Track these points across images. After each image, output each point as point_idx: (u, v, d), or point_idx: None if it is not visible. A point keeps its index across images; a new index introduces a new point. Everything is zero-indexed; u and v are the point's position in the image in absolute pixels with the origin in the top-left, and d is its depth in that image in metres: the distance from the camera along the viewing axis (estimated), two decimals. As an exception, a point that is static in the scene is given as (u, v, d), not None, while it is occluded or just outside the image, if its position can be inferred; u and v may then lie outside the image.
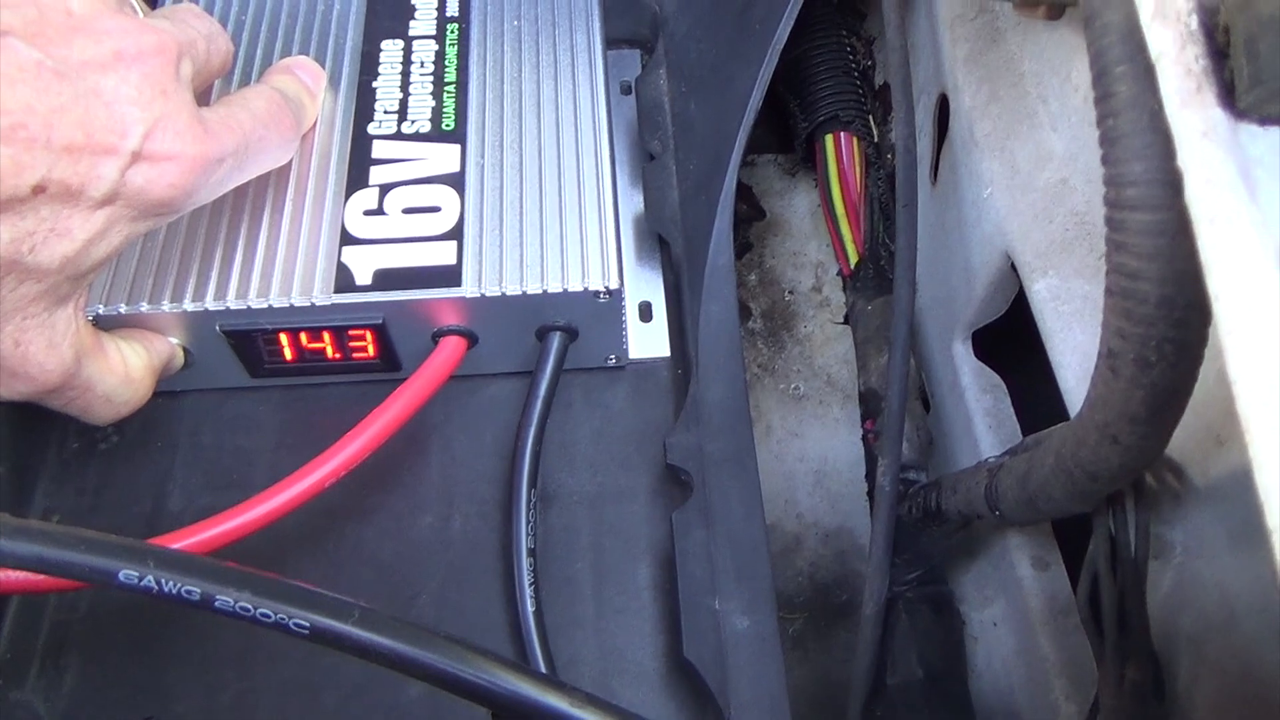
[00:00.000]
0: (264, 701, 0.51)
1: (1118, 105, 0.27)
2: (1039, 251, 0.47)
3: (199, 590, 0.30)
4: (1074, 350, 0.44)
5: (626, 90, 0.75)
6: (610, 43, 0.75)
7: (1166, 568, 0.38)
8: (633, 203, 0.69)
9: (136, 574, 0.29)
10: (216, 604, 0.30)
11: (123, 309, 0.54)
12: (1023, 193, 0.49)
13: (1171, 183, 0.26)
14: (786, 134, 0.74)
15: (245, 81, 0.63)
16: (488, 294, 0.55)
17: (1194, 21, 0.25)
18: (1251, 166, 0.24)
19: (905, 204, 0.52)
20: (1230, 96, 0.25)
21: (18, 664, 0.52)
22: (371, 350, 0.58)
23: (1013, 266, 0.50)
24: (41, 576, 0.34)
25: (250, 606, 0.29)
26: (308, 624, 0.29)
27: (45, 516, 0.57)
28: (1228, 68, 0.25)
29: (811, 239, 0.72)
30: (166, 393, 0.61)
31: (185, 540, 0.48)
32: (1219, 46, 0.25)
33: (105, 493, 0.58)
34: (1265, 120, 0.25)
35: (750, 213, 0.74)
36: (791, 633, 0.64)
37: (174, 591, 0.30)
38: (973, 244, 0.53)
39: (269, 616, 0.30)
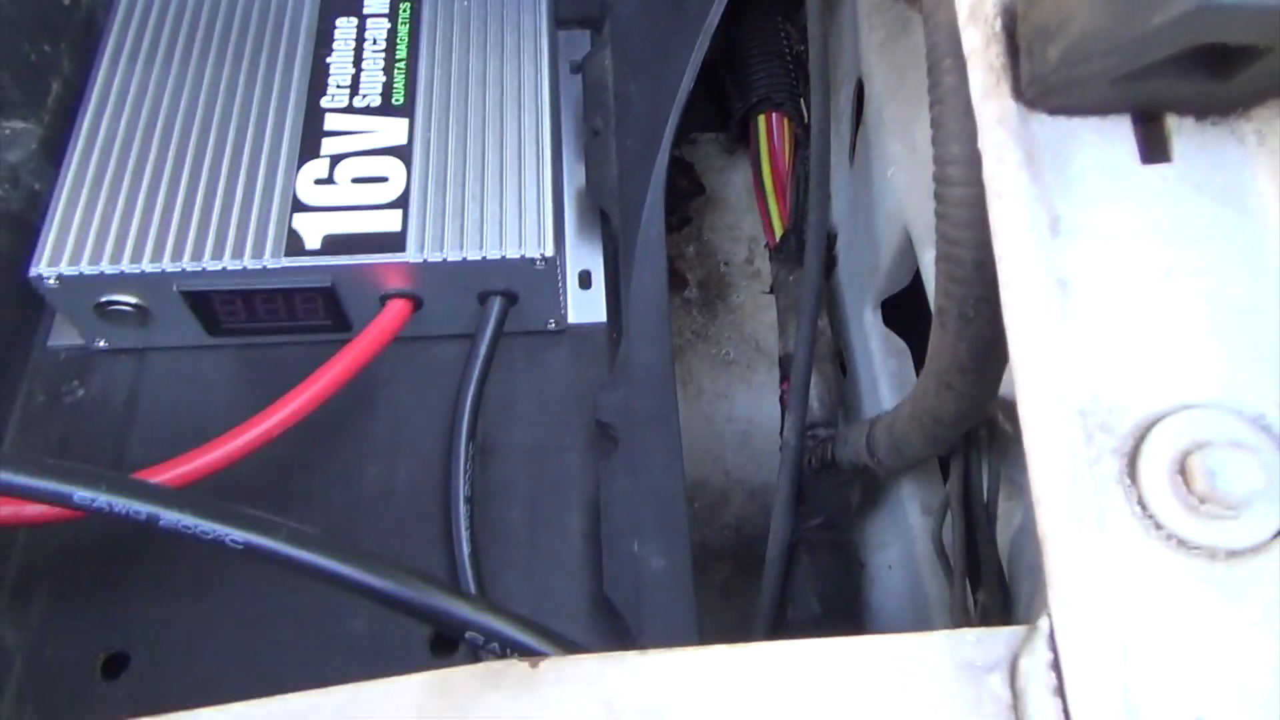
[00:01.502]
0: (220, 631, 0.55)
1: (942, 94, 0.32)
2: (929, 225, 0.51)
3: (145, 510, 0.34)
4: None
5: (576, 69, 0.78)
6: (562, 23, 0.78)
7: (1018, 506, 0.42)
8: (577, 177, 0.73)
9: (90, 495, 0.33)
10: (161, 522, 0.34)
11: (85, 270, 0.58)
12: (921, 171, 0.53)
13: (978, 162, 0.30)
14: (727, 113, 0.78)
15: (185, 59, 0.66)
16: (430, 259, 0.59)
17: (998, 24, 0.30)
18: (1037, 150, 0.29)
19: (817, 182, 0.56)
20: (1021, 87, 0.29)
21: (-14, 599, 0.56)
22: (322, 312, 0.62)
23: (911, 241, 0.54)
24: (7, 507, 0.38)
25: (191, 525, 0.34)
26: (241, 541, 0.33)
27: (13, 463, 0.61)
28: (1020, 51, 0.29)
29: (747, 214, 0.76)
30: (129, 350, 0.64)
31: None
32: (1016, 46, 0.29)
33: (70, 443, 0.62)
34: (1053, 110, 0.29)
35: (690, 188, 0.78)
36: (719, 580, 0.68)
37: (124, 511, 0.34)
38: (879, 220, 0.58)
39: (207, 534, 0.34)
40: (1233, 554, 0.25)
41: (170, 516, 0.33)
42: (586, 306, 0.68)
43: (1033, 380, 0.27)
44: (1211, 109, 0.29)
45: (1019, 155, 0.28)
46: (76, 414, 0.63)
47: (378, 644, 0.56)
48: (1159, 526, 0.25)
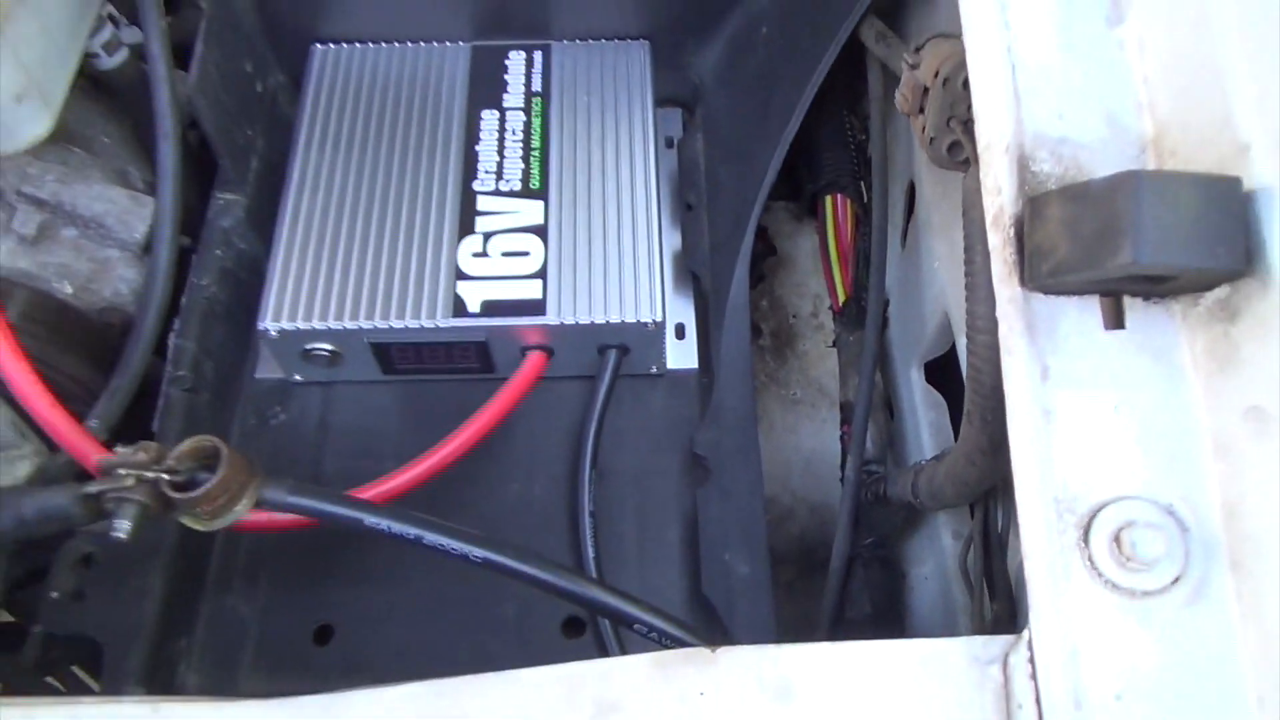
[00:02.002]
0: (404, 609, 0.71)
1: (974, 269, 0.46)
2: (964, 315, 0.66)
3: (414, 532, 0.49)
4: (982, 390, 0.63)
5: (670, 144, 0.93)
6: (658, 102, 0.93)
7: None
8: (672, 240, 0.87)
9: (377, 520, 0.49)
10: (425, 541, 0.49)
11: (299, 325, 0.74)
12: (959, 268, 0.67)
13: (995, 321, 0.45)
14: (797, 186, 0.92)
15: (364, 145, 0.82)
16: (565, 322, 0.75)
17: (1011, 231, 0.44)
18: (1034, 320, 0.43)
19: (875, 269, 0.70)
20: (1025, 277, 0.43)
21: (225, 577, 0.73)
22: (475, 359, 0.78)
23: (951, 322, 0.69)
24: (300, 518, 0.54)
25: (445, 543, 0.49)
26: (481, 557, 0.49)
27: (235, 473, 0.77)
28: (1025, 256, 0.44)
29: (812, 274, 0.91)
30: (320, 383, 0.81)
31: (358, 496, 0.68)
32: (1024, 248, 0.44)
33: (277, 458, 0.78)
34: (1047, 292, 0.44)
35: (765, 249, 0.93)
36: (784, 581, 0.83)
37: (400, 532, 0.49)
38: (925, 301, 0.72)
39: (455, 550, 0.49)
40: (1146, 594, 0.39)
41: (432, 537, 0.49)
42: (681, 354, 0.83)
43: (1025, 475, 0.41)
44: (1153, 294, 0.43)
45: (1022, 325, 0.43)
46: (280, 434, 0.79)
47: (522, 625, 0.72)
48: (1100, 575, 0.40)
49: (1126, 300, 0.43)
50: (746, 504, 0.72)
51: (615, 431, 0.79)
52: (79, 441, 0.57)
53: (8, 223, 0.82)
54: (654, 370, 0.81)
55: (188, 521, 0.50)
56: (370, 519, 0.50)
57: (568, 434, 0.79)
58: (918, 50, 0.60)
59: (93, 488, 0.48)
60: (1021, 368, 0.42)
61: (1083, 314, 0.43)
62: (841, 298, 0.82)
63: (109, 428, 0.67)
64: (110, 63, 0.82)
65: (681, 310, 0.85)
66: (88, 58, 0.80)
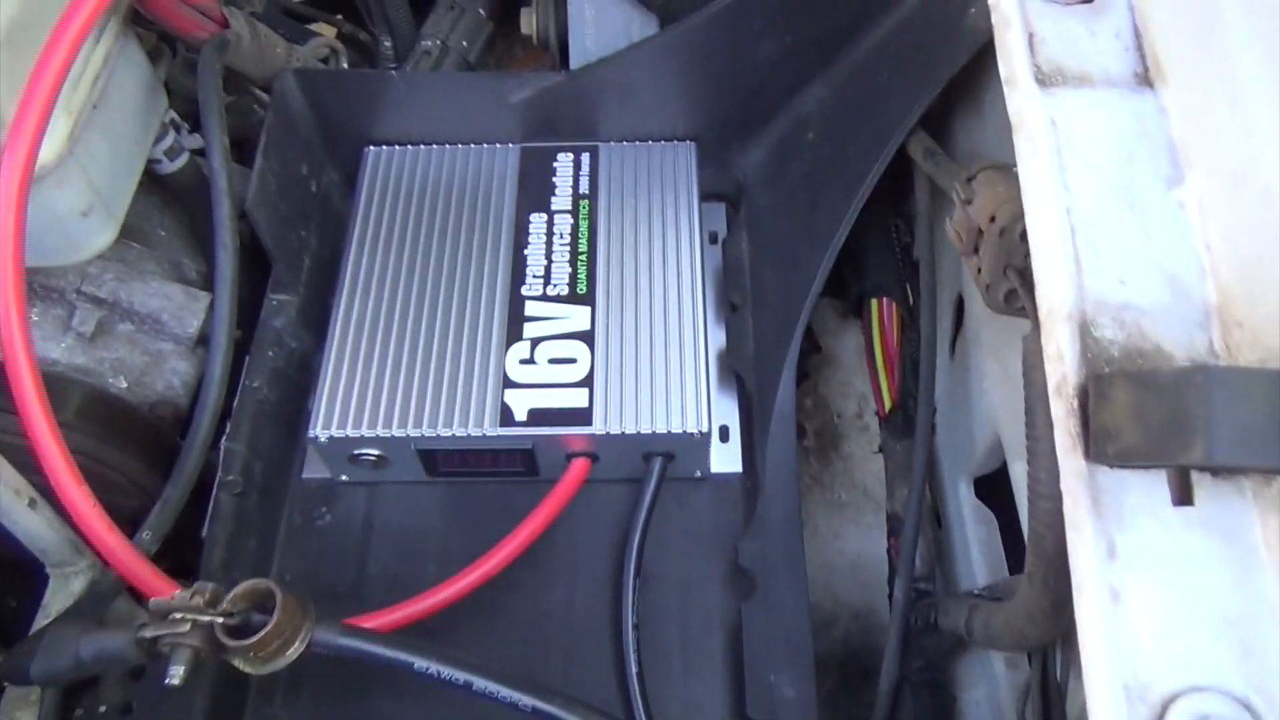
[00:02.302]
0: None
1: (1035, 434, 0.46)
2: (1018, 440, 0.65)
3: (463, 677, 0.49)
4: (1036, 521, 0.62)
5: (713, 240, 0.93)
6: (702, 197, 0.93)
7: (1081, 688, 0.56)
8: (716, 338, 0.87)
9: (426, 665, 0.49)
10: (475, 688, 0.49)
11: (349, 432, 0.74)
12: (1011, 392, 0.67)
13: (1058, 490, 0.44)
14: (842, 283, 0.92)
15: (415, 248, 0.83)
16: (611, 432, 0.75)
17: (1075, 402, 0.44)
18: (1100, 494, 0.43)
19: (924, 394, 0.70)
20: (1090, 451, 0.43)
21: (268, 689, 0.73)
22: (520, 464, 0.78)
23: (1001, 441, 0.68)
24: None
25: (495, 690, 0.49)
26: (530, 705, 0.49)
27: (280, 576, 0.78)
28: (1090, 433, 0.43)
29: (857, 373, 0.90)
30: (366, 484, 0.81)
31: (398, 614, 0.68)
32: (1088, 419, 0.43)
33: (323, 557, 0.79)
34: (1113, 465, 0.43)
35: (809, 347, 0.92)
36: (825, 690, 0.82)
37: (449, 678, 0.49)
38: (975, 419, 0.71)
39: (505, 699, 0.49)
40: (1219, 792, 0.38)
41: (481, 683, 0.49)
42: (725, 457, 0.83)
43: (1094, 659, 0.41)
44: (1221, 471, 0.42)
45: (1088, 501, 0.42)
46: (326, 535, 0.80)
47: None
48: (1171, 770, 0.39)
49: (1195, 476, 0.43)
50: (792, 620, 0.72)
51: (657, 536, 0.79)
52: (137, 569, 0.58)
53: (67, 320, 0.84)
54: (698, 474, 0.81)
55: (240, 664, 0.50)
56: (420, 662, 0.50)
57: (610, 538, 0.79)
58: (969, 180, 0.60)
59: (148, 632, 0.49)
60: (1088, 545, 0.42)
61: (1149, 488, 0.43)
62: (888, 404, 0.82)
63: (160, 538, 0.68)
64: (171, 167, 0.84)
65: (725, 412, 0.85)
66: (149, 163, 0.82)
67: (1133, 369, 0.43)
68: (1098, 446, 0.42)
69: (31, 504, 0.60)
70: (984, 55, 0.71)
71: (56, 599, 0.65)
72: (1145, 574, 0.42)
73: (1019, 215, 0.52)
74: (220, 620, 0.49)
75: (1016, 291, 0.52)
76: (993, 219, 0.54)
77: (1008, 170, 0.59)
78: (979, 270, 0.56)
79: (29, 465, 0.64)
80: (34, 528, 0.61)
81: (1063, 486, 0.43)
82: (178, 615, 0.49)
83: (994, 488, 0.75)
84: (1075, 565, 0.42)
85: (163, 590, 0.60)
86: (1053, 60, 0.50)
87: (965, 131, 0.79)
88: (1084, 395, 0.43)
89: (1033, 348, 0.46)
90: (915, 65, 0.75)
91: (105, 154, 0.73)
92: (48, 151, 0.63)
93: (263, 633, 0.48)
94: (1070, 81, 0.50)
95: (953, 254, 0.80)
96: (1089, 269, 0.45)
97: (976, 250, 0.56)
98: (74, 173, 0.69)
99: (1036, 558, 0.46)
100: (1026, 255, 0.51)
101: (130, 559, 0.59)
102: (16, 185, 0.56)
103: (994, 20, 0.52)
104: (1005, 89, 0.50)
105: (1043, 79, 0.50)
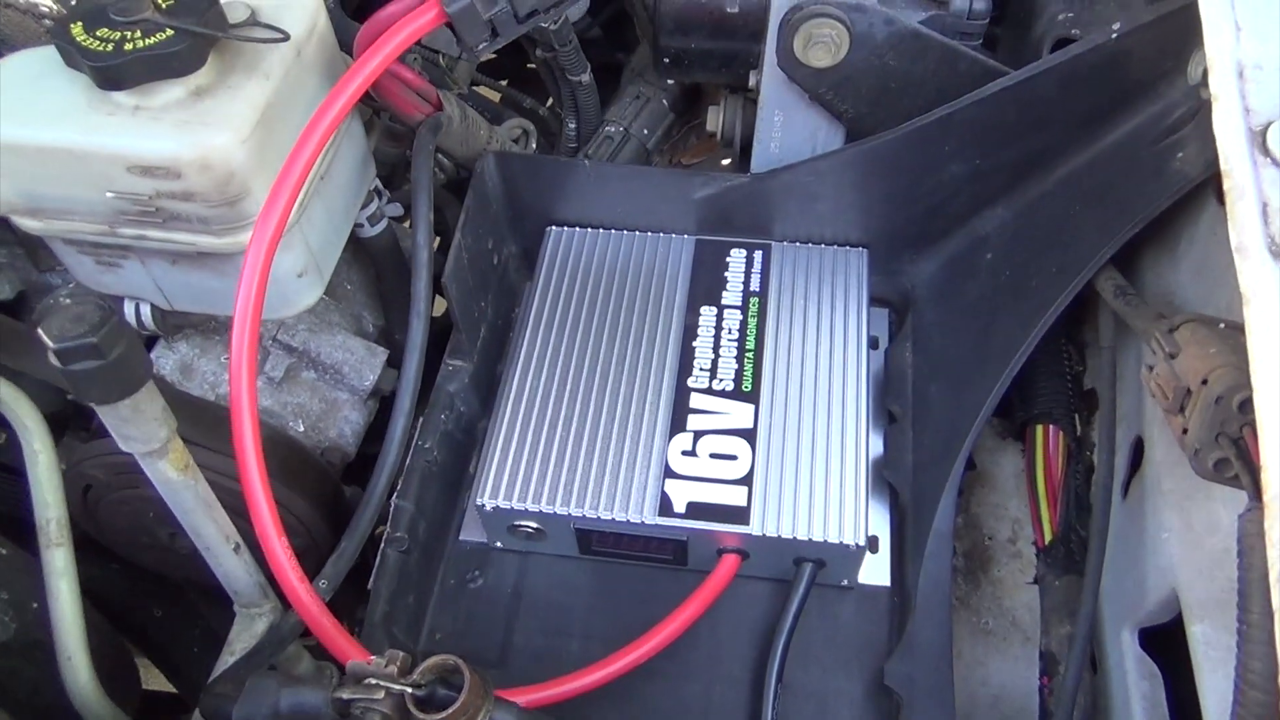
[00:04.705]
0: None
1: (1249, 619, 0.45)
2: (1199, 600, 0.63)
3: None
4: (1214, 690, 0.59)
5: (874, 345, 0.94)
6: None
7: None
8: (873, 447, 0.87)
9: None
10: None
11: (513, 505, 0.77)
12: (1194, 548, 0.65)
13: (1275, 685, 0.43)
14: (1004, 404, 0.91)
15: (588, 330, 0.86)
16: (768, 534, 0.75)
17: (1301, 595, 0.42)
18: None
19: (1093, 551, 0.68)
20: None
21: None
22: (671, 552, 0.79)
23: (1178, 597, 0.65)
24: None
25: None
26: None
27: (431, 635, 0.81)
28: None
29: (1013, 496, 0.89)
30: (519, 552, 0.84)
31: (545, 692, 0.69)
32: (1315, 615, 0.42)
33: (472, 621, 0.81)
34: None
35: (965, 465, 0.91)
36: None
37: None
38: (1148, 567, 0.69)
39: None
40: None
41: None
42: (873, 568, 0.82)
43: None
44: None
45: (1312, 701, 0.41)
46: (476, 599, 0.82)
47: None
48: None
49: None
50: (937, 751, 0.70)
51: (799, 643, 0.78)
52: (321, 621, 0.61)
53: (262, 365, 0.90)
54: (845, 583, 0.81)
55: (423, 736, 0.52)
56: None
57: (752, 637, 0.79)
58: (1171, 332, 0.60)
59: (345, 694, 0.51)
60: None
61: (1379, 697, 0.41)
62: (1047, 535, 0.80)
63: (335, 587, 0.72)
64: (371, 232, 0.90)
65: (877, 522, 0.84)
66: (353, 227, 0.88)
67: (1369, 570, 0.41)
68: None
69: (237, 549, 0.64)
70: (1183, 200, 0.70)
71: (241, 638, 0.69)
72: (1372, 789, 0.40)
73: (1238, 385, 0.51)
74: (410, 690, 0.51)
75: (1230, 461, 0.51)
76: (1205, 381, 0.53)
77: (1215, 327, 0.58)
78: (1184, 431, 0.55)
79: (230, 505, 0.69)
80: (234, 570, 0.65)
81: (1283, 683, 0.42)
82: (372, 681, 0.51)
83: (1158, 642, 0.73)
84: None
85: (339, 642, 0.64)
86: (1288, 233, 0.50)
87: (1155, 271, 0.78)
88: (1309, 587, 0.42)
89: (1252, 529, 0.45)
90: (1111, 201, 0.75)
91: (323, 220, 0.79)
92: (284, 220, 0.69)
93: (451, 709, 0.50)
94: (1305, 256, 0.49)
95: (1132, 393, 0.78)
96: (1321, 457, 0.44)
97: (1182, 409, 0.55)
98: (298, 238, 0.75)
99: (1242, 748, 0.45)
100: (1243, 426, 0.50)
101: (316, 610, 0.62)
102: (264, 253, 0.61)
103: (1226, 187, 0.52)
104: (1236, 258, 0.50)
105: (1276, 251, 0.49)
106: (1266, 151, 0.53)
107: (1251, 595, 0.45)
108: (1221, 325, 0.59)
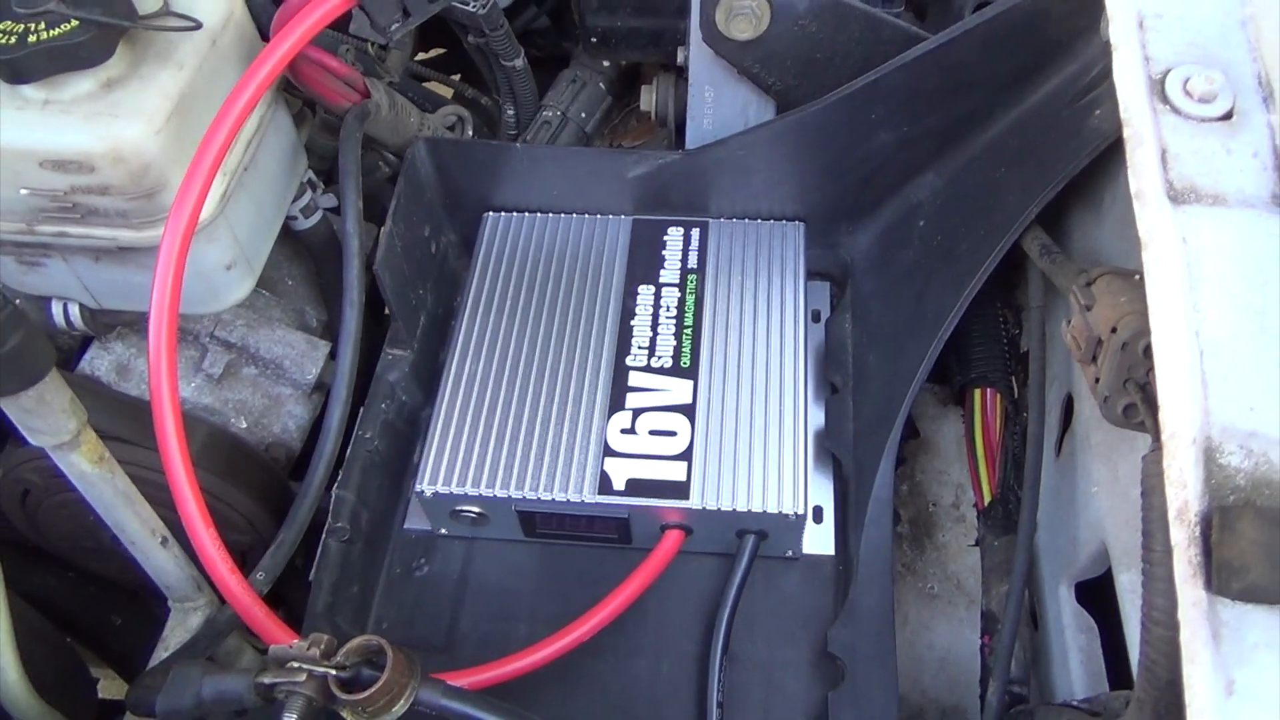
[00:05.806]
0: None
1: (1152, 557, 0.45)
2: (1126, 550, 0.63)
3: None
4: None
5: (815, 318, 0.94)
6: (807, 276, 0.94)
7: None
8: (815, 418, 0.87)
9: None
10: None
11: (454, 490, 0.77)
12: (1120, 499, 0.65)
13: (1175, 619, 0.43)
14: (944, 370, 0.92)
15: (526, 313, 0.86)
16: (708, 507, 0.75)
17: (1197, 530, 0.43)
18: (1220, 628, 0.42)
19: (1026, 504, 0.69)
20: (1211, 583, 0.42)
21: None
22: (614, 531, 0.79)
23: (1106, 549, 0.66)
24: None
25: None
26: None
27: (378, 624, 0.80)
28: (1212, 564, 0.42)
29: (955, 462, 0.89)
30: (464, 538, 0.83)
31: (488, 674, 0.69)
32: (1210, 548, 0.43)
33: (419, 608, 0.81)
34: (1234, 598, 0.42)
35: (907, 433, 0.92)
36: (909, 787, 0.80)
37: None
38: (1080, 524, 0.70)
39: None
40: None
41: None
42: (817, 539, 0.82)
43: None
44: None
45: (1207, 633, 0.41)
46: (423, 587, 0.82)
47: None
48: None
49: (1322, 615, 0.41)
50: (881, 714, 0.71)
51: (745, 615, 0.79)
52: (254, 612, 0.61)
53: (199, 362, 0.89)
54: (789, 554, 0.81)
55: (348, 717, 0.52)
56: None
57: (697, 611, 0.79)
58: (1088, 284, 0.60)
59: (267, 679, 0.51)
60: (1205, 680, 0.41)
61: (1271, 623, 0.42)
62: (987, 497, 0.81)
63: (273, 579, 0.71)
64: (306, 224, 0.89)
65: (819, 493, 0.84)
66: (286, 220, 0.87)
67: (1261, 501, 0.42)
68: (1220, 580, 0.41)
69: (164, 542, 0.64)
70: (1104, 156, 0.71)
71: (175, 633, 0.68)
72: (1266, 714, 0.40)
73: (1143, 330, 0.51)
74: (333, 672, 0.51)
75: (1136, 406, 0.52)
76: (1114, 330, 0.54)
77: (1129, 279, 0.59)
78: (1096, 380, 0.55)
79: (157, 499, 0.68)
80: (163, 564, 0.65)
81: (1181, 616, 0.42)
82: (294, 664, 0.51)
83: (1096, 594, 0.73)
84: (1190, 699, 0.41)
85: (275, 633, 0.63)
86: (1185, 177, 0.50)
87: (1081, 229, 0.79)
88: (1206, 524, 0.43)
89: (1153, 469, 0.46)
90: (1034, 162, 0.75)
91: (251, 212, 0.78)
92: (203, 211, 0.68)
93: (373, 689, 0.50)
94: (1203, 200, 0.50)
95: (1063, 351, 0.79)
96: (1216, 393, 0.45)
97: (1095, 359, 0.55)
98: (223, 230, 0.74)
99: (1148, 685, 0.45)
100: (1149, 371, 0.51)
101: (249, 602, 0.62)
102: (178, 244, 0.61)
103: (1126, 135, 0.52)
104: (1135, 204, 0.50)
105: (1175, 196, 0.50)
106: (1165, 99, 0.53)
107: (1153, 534, 0.45)
108: (1136, 277, 0.59)
